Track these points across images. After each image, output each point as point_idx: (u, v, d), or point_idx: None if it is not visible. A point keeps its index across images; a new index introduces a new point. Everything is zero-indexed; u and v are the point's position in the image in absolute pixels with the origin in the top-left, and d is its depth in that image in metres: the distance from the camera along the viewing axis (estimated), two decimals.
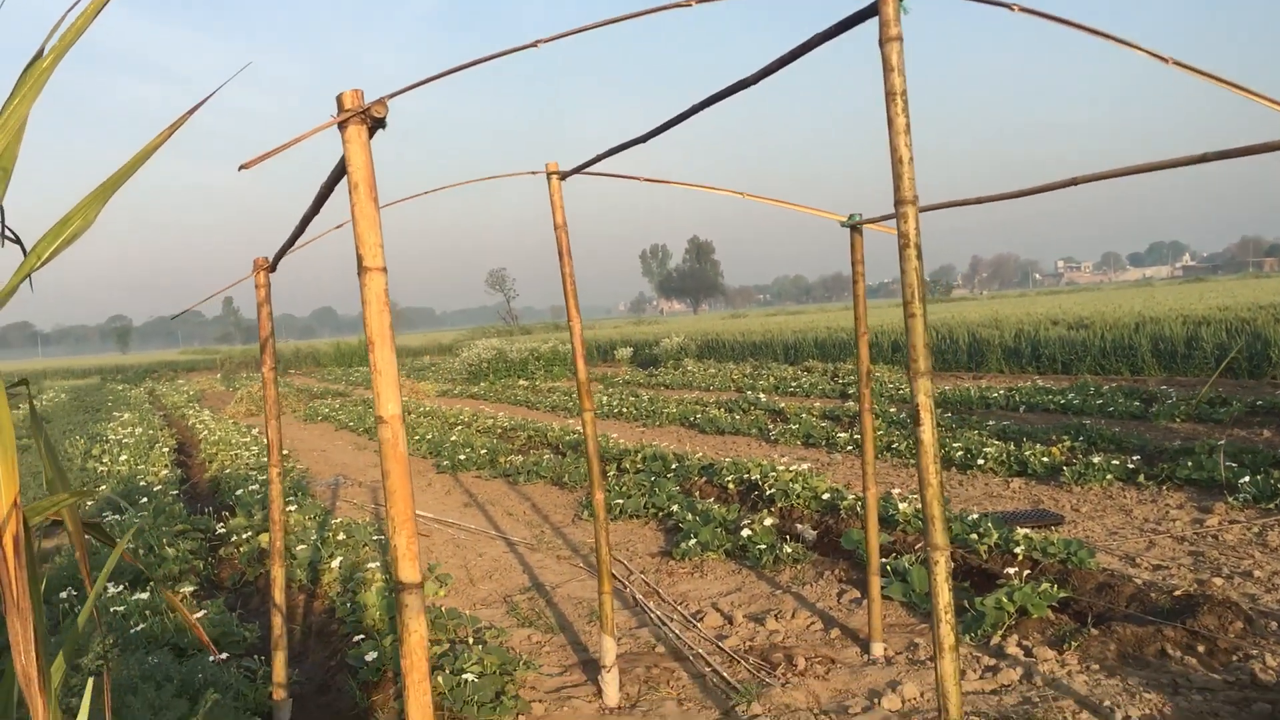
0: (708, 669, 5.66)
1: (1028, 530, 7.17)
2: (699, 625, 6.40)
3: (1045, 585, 5.98)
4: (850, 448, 12.89)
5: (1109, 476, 9.74)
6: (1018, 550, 6.85)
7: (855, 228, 5.57)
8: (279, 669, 4.82)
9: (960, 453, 11.39)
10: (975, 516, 7.64)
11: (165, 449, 15.90)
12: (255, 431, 19.25)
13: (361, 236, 2.51)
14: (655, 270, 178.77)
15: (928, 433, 2.99)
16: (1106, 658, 5.32)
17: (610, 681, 5.29)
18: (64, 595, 6.69)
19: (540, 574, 7.92)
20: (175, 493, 11.13)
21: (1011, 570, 6.24)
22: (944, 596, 3.11)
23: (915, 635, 5.97)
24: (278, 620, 4.85)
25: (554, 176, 5.26)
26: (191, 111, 2.11)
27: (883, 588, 6.60)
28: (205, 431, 19.23)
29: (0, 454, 1.73)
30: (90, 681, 2.10)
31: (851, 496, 8.80)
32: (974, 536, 7.25)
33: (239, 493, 10.90)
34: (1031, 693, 4.96)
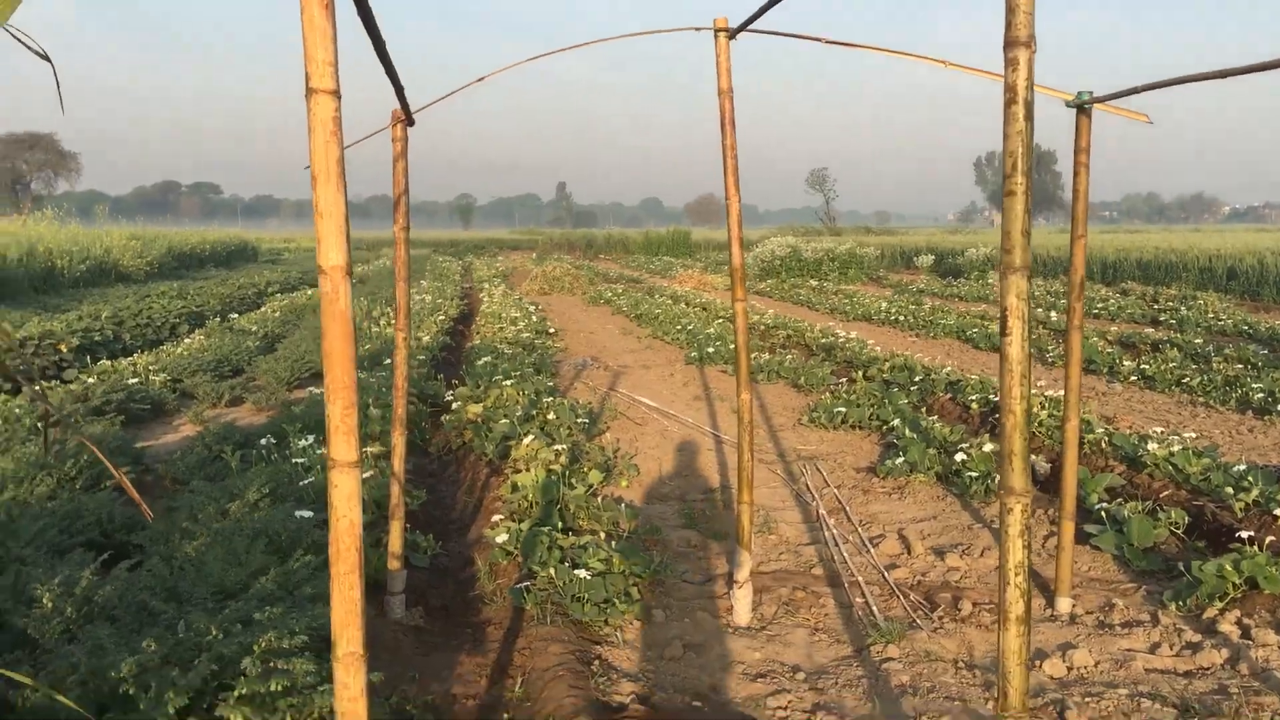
0: (860, 599, 5.08)
1: None
2: (872, 551, 5.80)
3: None
4: (1134, 377, 11.50)
5: None
6: (1278, 511, 5.73)
7: (1083, 108, 4.65)
8: (394, 539, 4.71)
9: (1260, 395, 9.84)
10: (1242, 467, 6.50)
11: (442, 316, 16.57)
12: (532, 308, 19.79)
13: (309, 52, 2.13)
14: (990, 179, 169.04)
15: (1015, 345, 2.34)
16: None
17: (741, 598, 4.85)
18: (263, 441, 6.96)
19: (732, 476, 7.48)
20: (423, 358, 11.49)
21: (1247, 534, 5.19)
22: (1016, 554, 2.50)
23: (1116, 594, 5.11)
24: (395, 490, 4.73)
25: (721, 34, 4.68)
26: None
27: (1093, 536, 5.74)
28: (487, 303, 19.97)
29: None
30: None
31: (1101, 430, 7.77)
32: (1230, 490, 6.16)
33: (479, 363, 11.11)
34: (1231, 681, 4.09)
